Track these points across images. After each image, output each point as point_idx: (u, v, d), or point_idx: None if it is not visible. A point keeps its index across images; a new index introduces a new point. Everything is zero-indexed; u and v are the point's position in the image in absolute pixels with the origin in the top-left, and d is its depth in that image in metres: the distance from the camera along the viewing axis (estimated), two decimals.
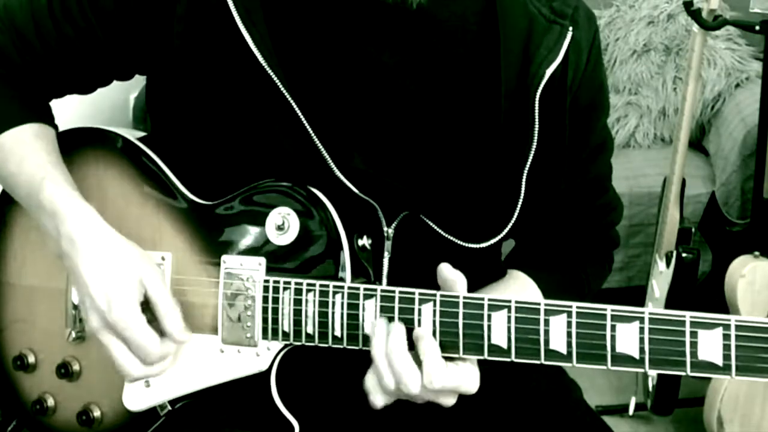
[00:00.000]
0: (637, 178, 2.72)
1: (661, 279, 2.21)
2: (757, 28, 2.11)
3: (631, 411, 2.37)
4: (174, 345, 1.01)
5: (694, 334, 0.88)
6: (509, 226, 1.06)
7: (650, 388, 2.25)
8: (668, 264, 2.18)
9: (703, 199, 2.52)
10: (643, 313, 0.90)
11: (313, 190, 1.00)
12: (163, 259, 1.05)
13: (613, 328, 0.90)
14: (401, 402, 1.12)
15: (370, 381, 0.97)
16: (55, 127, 1.13)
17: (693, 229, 2.23)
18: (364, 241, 1.02)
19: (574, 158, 1.10)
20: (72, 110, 1.21)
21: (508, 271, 1.14)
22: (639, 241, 2.71)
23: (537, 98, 1.01)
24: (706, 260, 2.31)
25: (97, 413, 1.09)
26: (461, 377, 0.95)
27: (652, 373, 2.21)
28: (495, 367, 1.11)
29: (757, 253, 2.04)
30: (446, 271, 0.95)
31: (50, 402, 1.12)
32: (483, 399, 1.11)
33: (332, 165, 1.01)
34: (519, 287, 1.11)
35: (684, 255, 2.13)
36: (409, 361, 0.93)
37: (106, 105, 1.33)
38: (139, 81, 1.18)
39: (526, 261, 1.16)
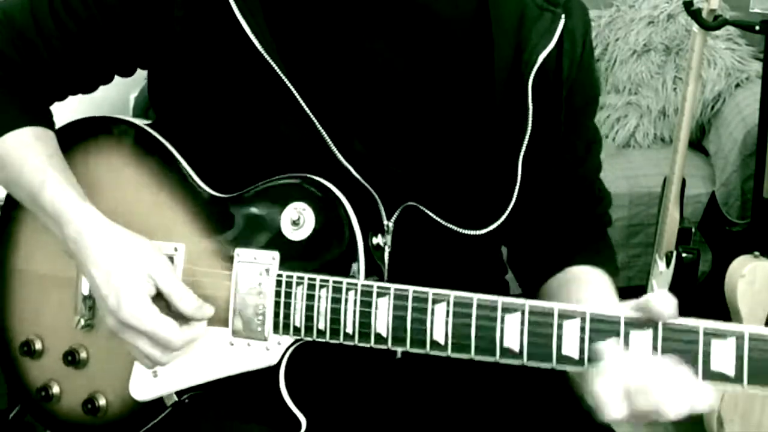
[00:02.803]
0: (637, 178, 2.72)
1: (661, 279, 2.21)
2: (757, 28, 2.12)
3: None
4: (199, 327, 1.02)
5: (707, 344, 0.87)
6: (507, 211, 1.06)
7: None
8: (668, 264, 2.18)
9: (703, 199, 2.52)
10: (656, 321, 0.89)
11: (330, 187, 1.00)
12: (175, 249, 1.05)
13: (626, 335, 0.89)
14: (407, 401, 1.12)
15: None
16: (54, 132, 1.13)
17: (693, 229, 2.23)
18: (378, 240, 1.02)
19: (571, 150, 1.12)
20: (72, 110, 1.21)
21: (568, 278, 1.12)
22: (639, 241, 2.71)
23: (530, 84, 1.03)
24: (706, 260, 2.31)
25: (102, 402, 1.09)
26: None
27: None
28: (497, 366, 1.11)
29: (757, 253, 2.04)
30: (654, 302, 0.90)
31: (55, 389, 1.12)
32: (485, 399, 1.12)
33: (334, 149, 1.01)
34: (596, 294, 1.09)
35: (684, 255, 2.13)
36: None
37: (106, 104, 1.33)
38: (139, 80, 1.18)
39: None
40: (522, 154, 1.04)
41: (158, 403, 1.06)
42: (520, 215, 1.08)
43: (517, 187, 1.05)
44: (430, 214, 1.05)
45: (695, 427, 2.20)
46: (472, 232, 1.06)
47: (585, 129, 1.14)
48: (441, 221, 1.05)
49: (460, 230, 1.05)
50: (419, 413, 1.10)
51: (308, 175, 1.01)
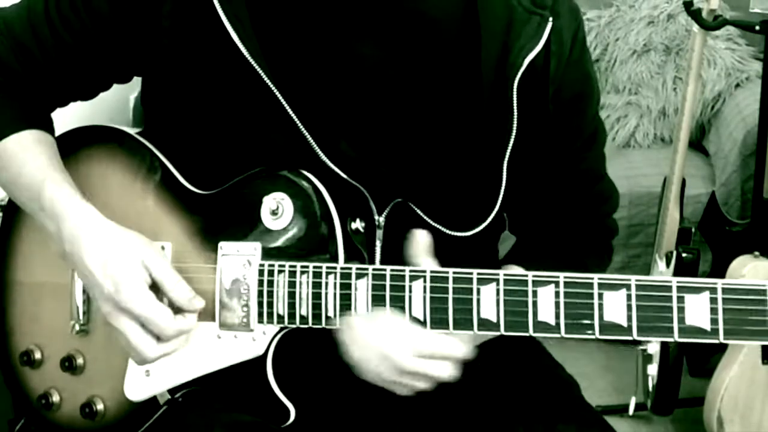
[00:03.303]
0: (637, 178, 2.72)
1: None
2: (757, 28, 2.11)
3: (631, 411, 2.37)
4: (190, 320, 1.02)
5: (681, 299, 0.89)
6: (493, 214, 1.07)
7: (650, 388, 2.25)
8: (668, 264, 2.18)
9: (703, 199, 2.52)
10: (629, 280, 0.91)
11: (307, 175, 1.02)
12: (163, 248, 1.06)
13: (600, 296, 0.91)
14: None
15: None
16: (54, 138, 1.14)
17: (693, 229, 2.23)
18: (358, 225, 1.03)
19: (567, 148, 1.12)
20: (72, 110, 1.22)
21: (502, 266, 1.14)
22: (639, 241, 2.70)
23: (515, 88, 1.03)
24: (706, 260, 2.31)
25: (100, 406, 1.10)
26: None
27: (652, 372, 2.21)
28: (493, 365, 1.12)
29: (757, 253, 2.03)
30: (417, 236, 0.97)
31: (55, 397, 1.13)
32: (481, 397, 1.12)
33: (319, 152, 1.03)
34: None
35: (684, 255, 2.13)
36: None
37: (105, 105, 1.34)
38: (138, 81, 1.19)
39: (521, 255, 1.17)
40: (507, 157, 1.05)
41: (152, 402, 1.07)
42: (523, 210, 1.09)
43: (502, 190, 1.06)
44: (419, 212, 1.06)
45: (695, 427, 2.20)
46: (459, 234, 1.07)
47: (580, 124, 1.14)
48: (429, 221, 1.06)
49: (447, 231, 1.07)
50: (407, 402, 1.11)
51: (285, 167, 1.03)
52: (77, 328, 1.11)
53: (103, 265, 1.01)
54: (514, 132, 1.04)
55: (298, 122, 1.02)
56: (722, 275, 2.06)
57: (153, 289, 1.02)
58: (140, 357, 1.02)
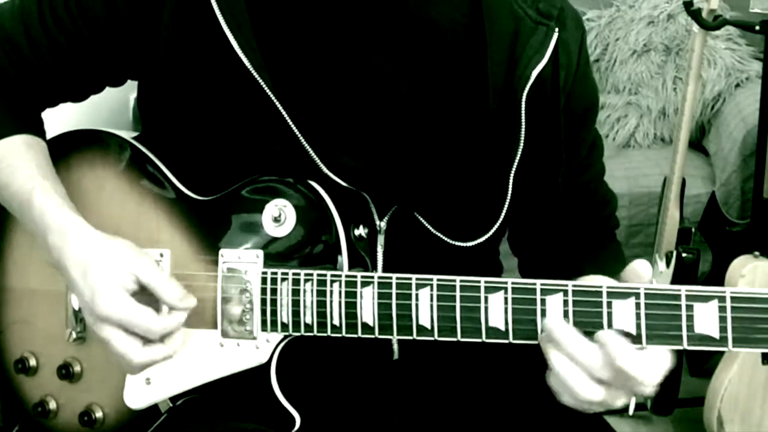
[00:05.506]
0: (637, 178, 2.72)
1: (661, 279, 2.21)
2: (757, 28, 2.12)
3: (631, 411, 2.36)
4: (176, 318, 1.00)
5: (690, 308, 0.88)
6: (496, 226, 1.06)
7: None
8: (668, 264, 2.18)
9: (703, 199, 2.52)
10: (638, 288, 0.90)
11: (310, 182, 1.01)
12: (161, 255, 1.05)
13: (609, 305, 0.90)
14: (401, 396, 1.12)
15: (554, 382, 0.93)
16: (45, 140, 1.13)
17: (693, 229, 2.23)
18: (361, 231, 1.02)
19: (574, 158, 1.11)
20: (72, 110, 1.21)
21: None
22: (639, 241, 2.71)
23: (524, 99, 1.02)
24: (706, 260, 2.31)
25: (99, 414, 1.09)
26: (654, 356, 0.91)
27: None
28: (495, 366, 1.11)
29: (757, 253, 2.03)
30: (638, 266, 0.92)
31: (52, 404, 1.12)
32: (483, 398, 1.12)
33: (321, 165, 1.02)
34: None
35: (684, 255, 2.13)
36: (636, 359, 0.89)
37: (105, 105, 1.33)
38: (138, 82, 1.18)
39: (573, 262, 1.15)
40: (513, 169, 1.04)
41: (153, 410, 1.06)
42: (526, 225, 1.08)
43: (507, 202, 1.05)
44: (421, 219, 1.05)
45: (695, 427, 2.20)
46: (461, 244, 1.06)
47: (586, 135, 1.14)
48: (431, 229, 1.06)
49: (449, 241, 1.06)
50: (413, 409, 1.11)
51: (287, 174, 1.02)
52: (74, 335, 1.09)
53: (84, 274, 0.99)
54: (522, 144, 1.03)
55: (299, 136, 1.01)
56: (722, 275, 2.06)
57: (142, 294, 1.00)
58: (127, 363, 1.00)
